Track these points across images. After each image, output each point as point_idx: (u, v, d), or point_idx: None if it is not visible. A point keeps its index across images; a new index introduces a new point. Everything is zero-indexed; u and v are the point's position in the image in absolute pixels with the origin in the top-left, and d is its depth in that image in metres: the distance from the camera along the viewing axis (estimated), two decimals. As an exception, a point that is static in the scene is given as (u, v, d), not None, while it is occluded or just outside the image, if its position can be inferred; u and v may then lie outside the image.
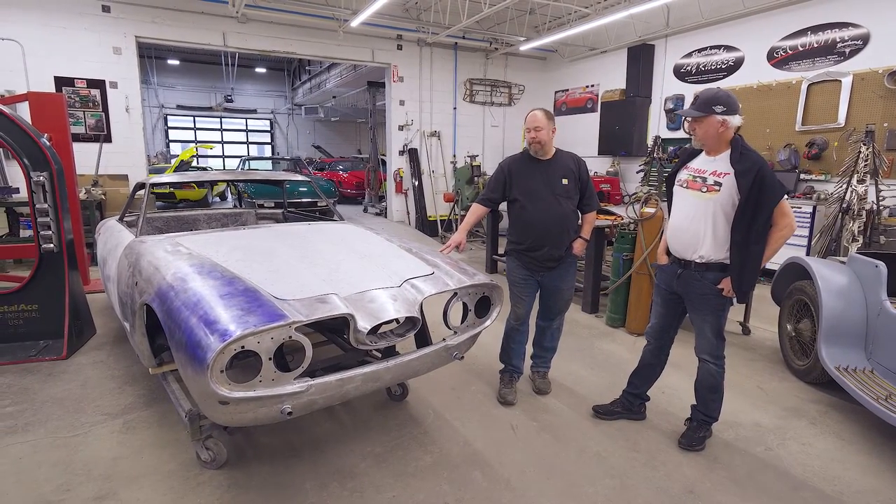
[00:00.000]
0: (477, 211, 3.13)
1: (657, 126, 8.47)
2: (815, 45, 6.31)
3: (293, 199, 9.22)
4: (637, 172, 8.32)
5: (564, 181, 2.96)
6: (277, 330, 1.95)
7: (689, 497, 2.32)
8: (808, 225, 5.90)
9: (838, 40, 6.08)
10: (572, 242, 3.04)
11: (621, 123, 8.69)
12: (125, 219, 4.10)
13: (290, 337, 1.98)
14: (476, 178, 8.69)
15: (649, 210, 4.17)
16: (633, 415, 2.96)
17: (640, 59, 8.43)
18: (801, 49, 6.47)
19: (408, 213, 10.09)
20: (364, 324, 2.16)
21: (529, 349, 3.37)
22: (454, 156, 10.16)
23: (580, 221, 3.12)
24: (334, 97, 17.77)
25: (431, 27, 8.82)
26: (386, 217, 10.53)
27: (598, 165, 9.22)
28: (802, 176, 6.38)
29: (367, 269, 2.61)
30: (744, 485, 2.41)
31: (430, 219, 9.85)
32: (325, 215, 4.86)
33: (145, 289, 2.45)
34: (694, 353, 2.68)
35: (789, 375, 3.59)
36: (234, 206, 6.14)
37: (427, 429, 2.85)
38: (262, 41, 8.35)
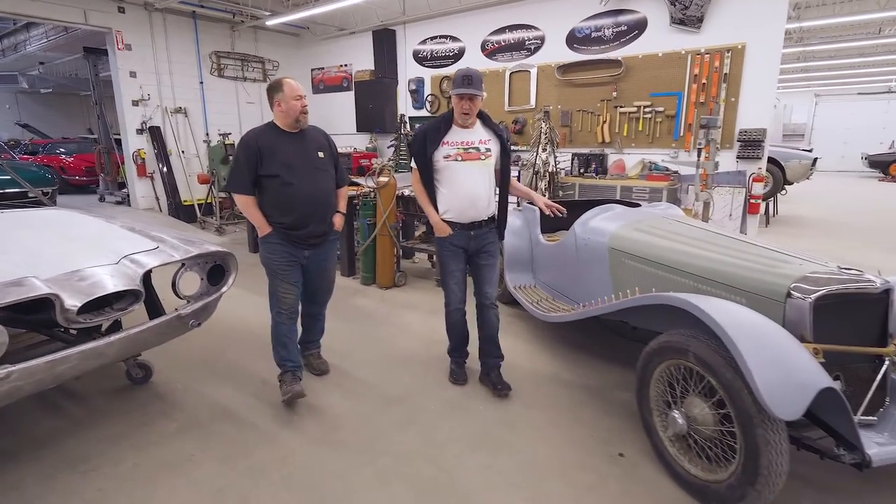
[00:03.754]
0: (250, 202, 2.78)
1: (405, 105, 9.37)
2: (512, 42, 7.84)
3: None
4: (388, 147, 9.13)
5: (320, 154, 2.89)
6: (-46, 320, 1.81)
7: (405, 400, 2.95)
8: (517, 186, 7.44)
9: (526, 39, 7.68)
10: (332, 218, 2.99)
11: (374, 102, 9.31)
12: None
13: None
14: (231, 157, 8.32)
15: (383, 179, 4.78)
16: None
17: (384, 42, 9.12)
18: (503, 44, 7.95)
19: (157, 198, 9.07)
20: (73, 302, 2.13)
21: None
22: (207, 134, 9.45)
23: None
24: (42, 63, 14.37)
25: (159, -9, 7.95)
26: (130, 206, 9.26)
27: (357, 142, 9.76)
28: (512, 148, 7.96)
29: (77, 251, 2.51)
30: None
31: (186, 203, 9.06)
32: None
33: None
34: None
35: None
36: None
37: (175, 401, 2.90)
38: None
